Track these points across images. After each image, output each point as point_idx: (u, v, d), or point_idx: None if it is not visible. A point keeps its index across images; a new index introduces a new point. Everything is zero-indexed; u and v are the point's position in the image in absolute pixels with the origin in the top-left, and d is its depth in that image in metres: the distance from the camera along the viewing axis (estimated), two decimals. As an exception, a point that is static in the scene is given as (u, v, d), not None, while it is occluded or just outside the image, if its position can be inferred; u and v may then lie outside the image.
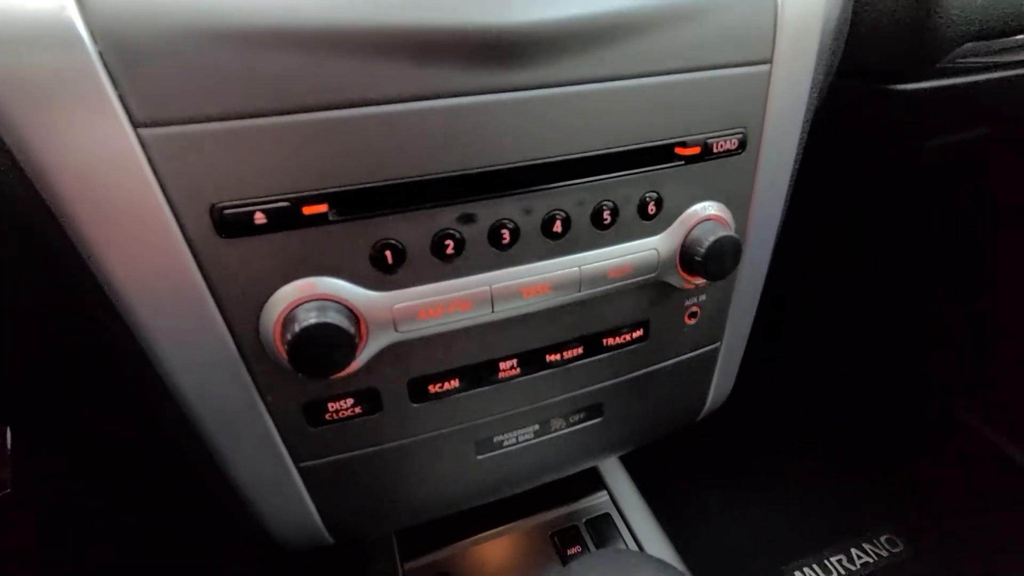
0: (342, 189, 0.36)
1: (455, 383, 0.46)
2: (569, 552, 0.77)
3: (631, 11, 0.38)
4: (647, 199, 0.45)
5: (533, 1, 0.36)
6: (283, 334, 0.36)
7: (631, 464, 0.89)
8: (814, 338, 1.43)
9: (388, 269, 0.39)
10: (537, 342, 0.48)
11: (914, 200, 1.07)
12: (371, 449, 0.47)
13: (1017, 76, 0.66)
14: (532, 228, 0.42)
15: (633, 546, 0.78)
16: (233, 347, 0.38)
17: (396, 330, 0.41)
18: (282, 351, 0.37)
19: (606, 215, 0.44)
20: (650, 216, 0.46)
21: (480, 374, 0.47)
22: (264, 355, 0.39)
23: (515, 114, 0.38)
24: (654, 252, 0.47)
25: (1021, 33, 0.62)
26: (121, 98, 0.30)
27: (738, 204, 0.49)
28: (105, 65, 0.30)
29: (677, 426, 0.66)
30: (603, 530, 0.79)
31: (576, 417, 0.56)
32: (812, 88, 0.49)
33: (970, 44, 0.60)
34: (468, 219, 0.40)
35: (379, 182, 0.36)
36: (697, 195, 0.47)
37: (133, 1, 0.30)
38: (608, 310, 0.50)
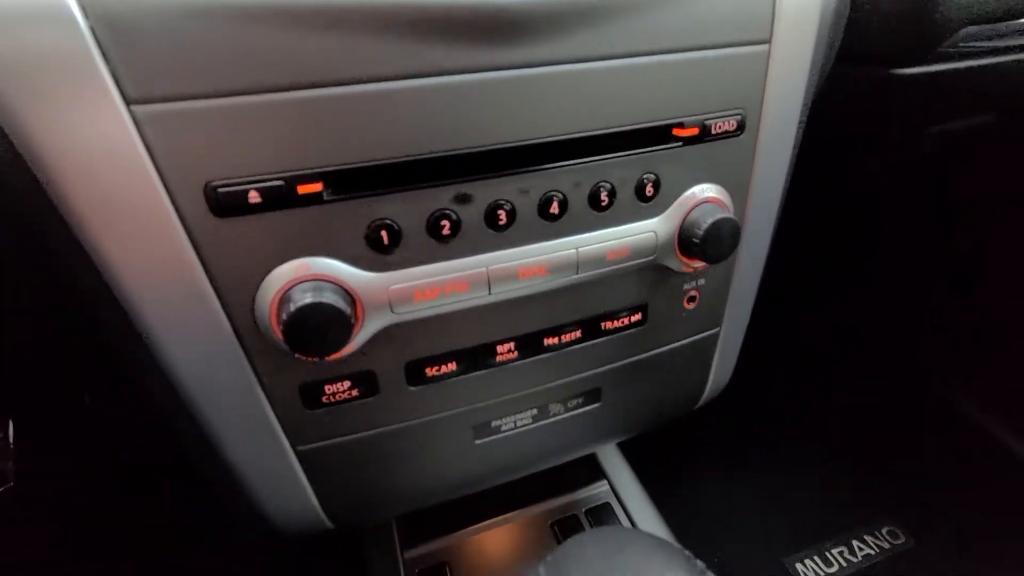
0: (336, 168, 0.36)
1: (452, 366, 0.46)
2: (569, 541, 0.77)
3: None
4: (645, 181, 0.45)
5: None
6: (279, 314, 0.36)
7: (631, 454, 0.89)
8: (814, 329, 1.43)
9: (384, 250, 0.39)
10: (535, 325, 0.48)
11: (914, 188, 1.06)
12: (368, 433, 0.47)
13: (1018, 61, 0.65)
14: (529, 209, 0.42)
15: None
16: (229, 328, 0.38)
17: (392, 311, 0.41)
18: (278, 331, 0.37)
19: (603, 197, 0.43)
20: (648, 198, 0.45)
21: (477, 357, 0.47)
22: (260, 336, 0.39)
23: (511, 93, 0.38)
24: (652, 234, 0.46)
25: (1022, 16, 0.61)
26: (113, 75, 0.30)
27: (737, 187, 0.49)
28: (97, 42, 0.30)
29: (676, 413, 0.66)
30: (603, 519, 0.80)
31: (575, 402, 0.55)
32: (812, 70, 0.49)
33: (971, 28, 0.60)
34: (464, 199, 0.40)
35: (374, 161, 0.36)
36: (695, 177, 0.47)
37: None
38: (606, 294, 0.49)
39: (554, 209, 0.42)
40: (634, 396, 0.59)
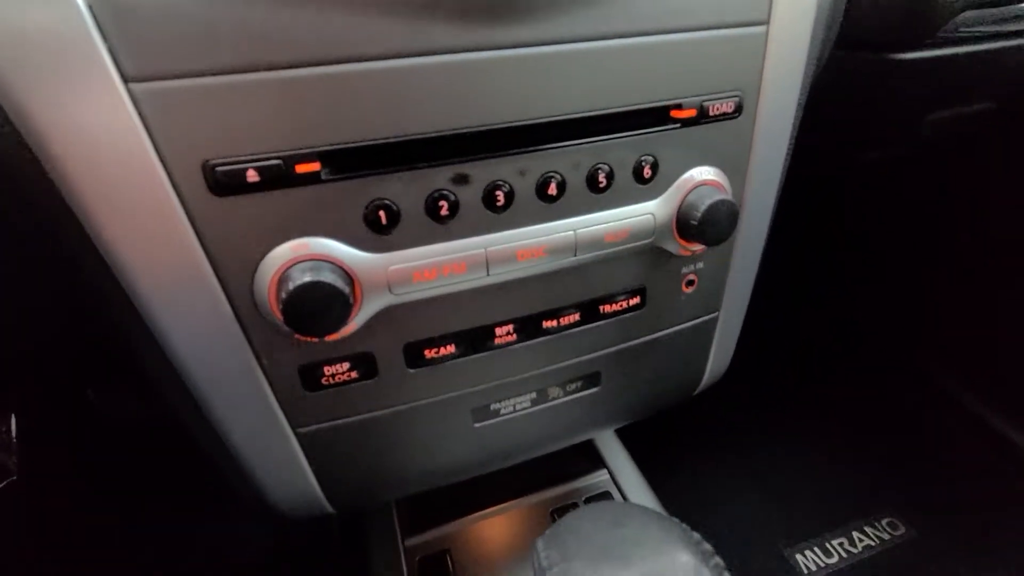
0: (335, 147, 0.36)
1: (451, 349, 0.46)
2: (569, 529, 0.77)
3: None
4: (643, 162, 0.45)
5: None
6: (278, 293, 0.36)
7: (631, 444, 0.89)
8: (814, 319, 1.43)
9: (382, 230, 0.39)
10: (533, 308, 0.48)
11: (914, 176, 1.06)
12: (368, 415, 0.47)
13: (1018, 46, 0.65)
14: (527, 190, 0.42)
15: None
16: (228, 307, 0.38)
17: (391, 292, 0.41)
18: (277, 311, 0.37)
19: (601, 178, 0.43)
20: (646, 180, 0.45)
21: (476, 340, 0.47)
22: (260, 316, 0.39)
23: (509, 73, 0.38)
24: (650, 217, 0.46)
25: (1021, 1, 0.61)
26: (111, 52, 0.30)
27: (735, 170, 0.49)
28: (95, 19, 0.30)
29: (675, 399, 0.66)
30: (603, 507, 0.80)
31: (574, 386, 0.56)
32: (810, 52, 0.49)
33: (970, 12, 0.60)
34: (462, 180, 0.40)
35: (372, 141, 0.36)
36: (693, 159, 0.47)
37: None
38: (605, 276, 0.49)
39: (552, 191, 0.42)
40: (633, 380, 0.59)
